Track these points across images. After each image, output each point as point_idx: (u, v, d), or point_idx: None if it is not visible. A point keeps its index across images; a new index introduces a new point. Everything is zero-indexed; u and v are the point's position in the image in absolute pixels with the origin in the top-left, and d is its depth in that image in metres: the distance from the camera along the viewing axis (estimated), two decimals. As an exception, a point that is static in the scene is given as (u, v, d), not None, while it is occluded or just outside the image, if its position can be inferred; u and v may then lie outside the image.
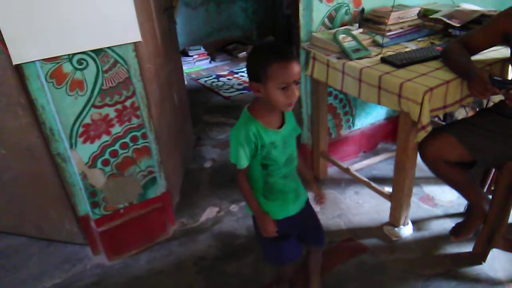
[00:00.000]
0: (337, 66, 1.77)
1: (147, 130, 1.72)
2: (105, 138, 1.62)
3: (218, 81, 3.95)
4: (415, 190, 2.10)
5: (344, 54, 1.77)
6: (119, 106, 1.60)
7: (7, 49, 1.30)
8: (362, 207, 2.07)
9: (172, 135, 2.16)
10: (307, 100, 2.16)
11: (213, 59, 4.56)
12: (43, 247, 1.94)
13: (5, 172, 1.81)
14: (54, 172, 1.68)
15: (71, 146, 1.56)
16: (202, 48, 4.50)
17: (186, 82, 4.02)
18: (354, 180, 2.17)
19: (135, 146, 1.71)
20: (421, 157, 1.63)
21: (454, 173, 1.60)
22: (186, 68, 4.24)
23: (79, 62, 1.45)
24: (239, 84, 3.81)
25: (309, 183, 1.41)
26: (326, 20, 1.98)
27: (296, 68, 1.09)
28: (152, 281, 1.72)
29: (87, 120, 1.55)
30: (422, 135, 1.47)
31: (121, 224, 1.79)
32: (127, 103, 1.62)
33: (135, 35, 1.53)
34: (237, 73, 4.14)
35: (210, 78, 4.05)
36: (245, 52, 4.65)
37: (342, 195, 2.17)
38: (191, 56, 4.39)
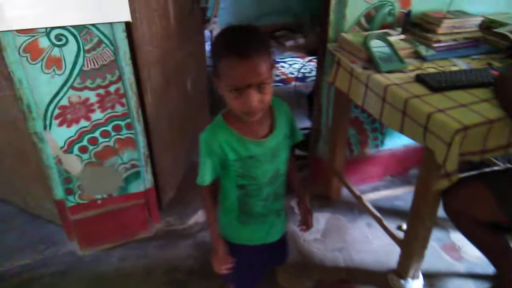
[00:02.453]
0: (360, 77, 1.47)
1: (134, 120, 1.55)
2: (83, 123, 1.47)
3: (256, 69, 3.71)
4: (439, 234, 1.78)
5: (372, 63, 1.46)
6: (101, 91, 1.44)
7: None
8: (370, 243, 1.77)
9: (175, 125, 1.99)
10: (328, 109, 1.87)
11: (257, 44, 4.30)
12: (27, 221, 1.89)
13: (-6, 140, 1.76)
14: (35, 149, 1.58)
15: (45, 128, 1.43)
16: (248, 31, 4.26)
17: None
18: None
19: (117, 136, 1.55)
20: (444, 207, 1.30)
21: (483, 234, 1.26)
22: (227, 51, 4.04)
23: (58, 37, 1.30)
24: (277, 76, 3.54)
25: (299, 203, 1.21)
26: (363, 20, 1.66)
27: (255, 67, 0.82)
28: (117, 284, 1.59)
29: (64, 102, 1.41)
30: (444, 183, 1.14)
31: (98, 215, 1.67)
32: (111, 89, 1.46)
33: (124, 14, 1.34)
34: (278, 62, 3.87)
35: (249, 64, 3.82)
36: (292, 41, 4.33)
37: (351, 225, 1.88)
38: (235, 38, 4.17)
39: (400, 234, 1.60)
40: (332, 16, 1.64)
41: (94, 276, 1.62)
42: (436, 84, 1.30)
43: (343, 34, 1.60)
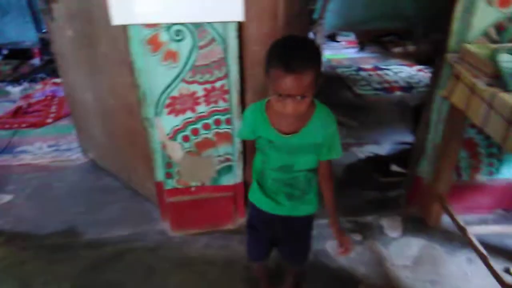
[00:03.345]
0: (483, 94, 1.30)
1: (233, 116, 1.60)
2: (189, 114, 1.57)
3: (357, 74, 3.57)
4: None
5: (500, 80, 1.28)
6: (208, 86, 1.52)
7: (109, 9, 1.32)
8: (469, 282, 1.57)
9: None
10: (437, 126, 1.70)
11: (362, 49, 4.14)
12: (130, 196, 2.09)
13: (112, 119, 1.98)
14: (144, 133, 1.73)
15: (156, 114, 1.56)
16: (352, 35, 4.13)
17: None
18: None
19: (217, 130, 1.62)
20: None
21: None
22: (329, 54, 3.98)
23: (176, 33, 1.39)
24: (379, 83, 3.36)
25: (331, 223, 1.23)
26: (492, 30, 1.47)
27: (297, 81, 0.93)
28: (200, 269, 1.66)
29: (175, 93, 1.51)
30: None
31: (190, 201, 1.77)
32: (217, 84, 1.52)
33: (237, 14, 1.38)
34: (382, 69, 3.67)
35: (350, 69, 3.70)
36: (401, 48, 4.08)
37: (449, 257, 1.68)
38: (339, 41, 4.08)
39: (508, 278, 1.39)
40: (455, 24, 1.48)
41: (180, 257, 1.72)
42: None
43: (467, 45, 1.43)
